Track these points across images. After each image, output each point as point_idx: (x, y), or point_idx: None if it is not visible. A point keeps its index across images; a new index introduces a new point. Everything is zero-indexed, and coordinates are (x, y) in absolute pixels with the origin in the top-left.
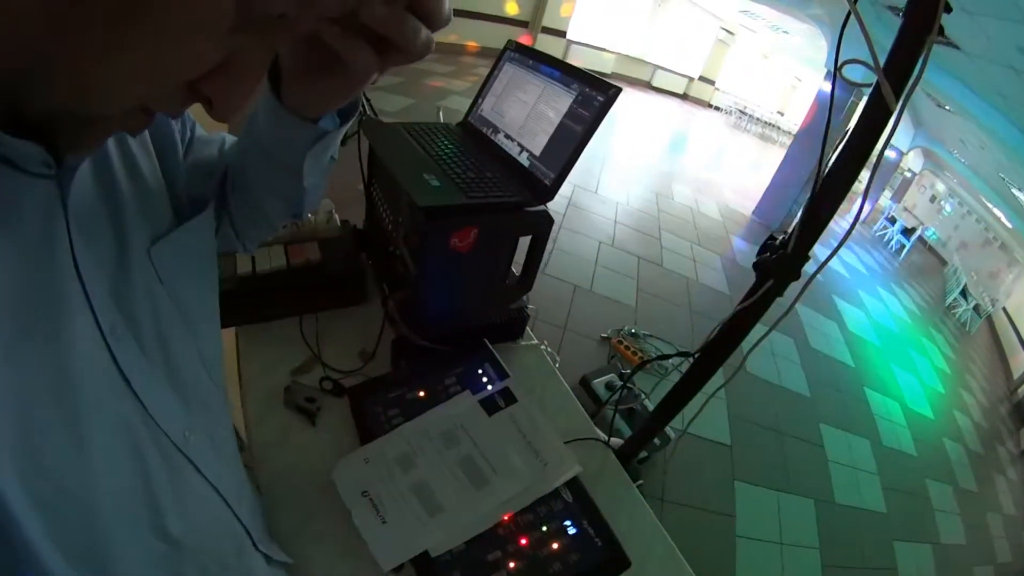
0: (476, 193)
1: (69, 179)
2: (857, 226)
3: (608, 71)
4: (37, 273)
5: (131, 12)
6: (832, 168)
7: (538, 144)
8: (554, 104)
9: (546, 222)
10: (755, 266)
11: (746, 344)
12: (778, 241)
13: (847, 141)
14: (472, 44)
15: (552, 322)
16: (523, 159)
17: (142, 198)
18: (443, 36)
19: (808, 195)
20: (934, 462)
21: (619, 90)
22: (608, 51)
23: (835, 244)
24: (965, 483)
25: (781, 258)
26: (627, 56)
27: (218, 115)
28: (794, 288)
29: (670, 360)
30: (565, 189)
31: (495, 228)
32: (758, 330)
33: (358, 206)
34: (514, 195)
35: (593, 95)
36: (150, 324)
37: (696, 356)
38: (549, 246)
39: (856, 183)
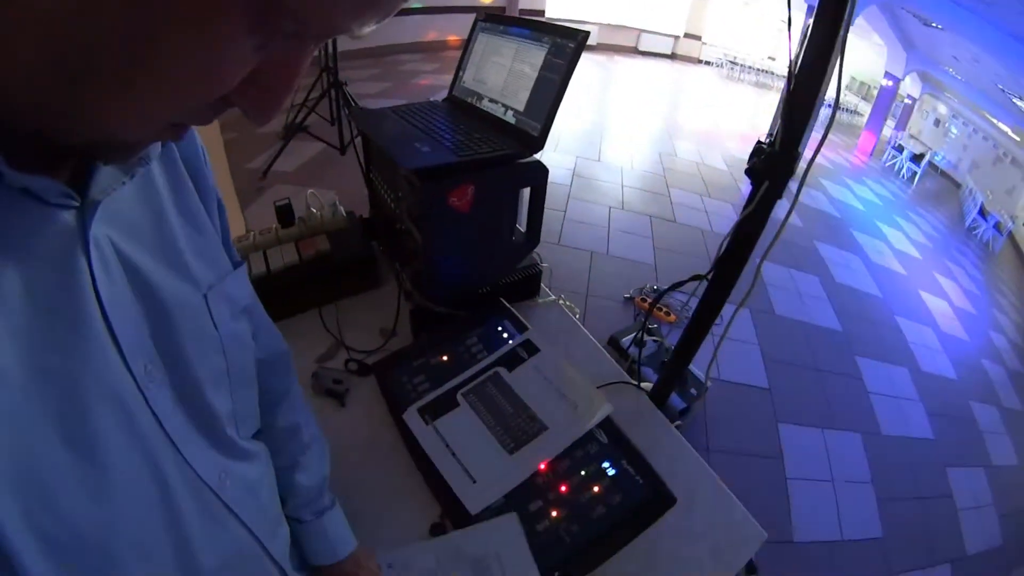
0: (466, 152)
1: (93, 211)
2: (867, 159)
3: (593, 43)
4: (53, 306)
5: (139, 54)
6: (804, 54)
7: (521, 100)
8: (529, 60)
9: (540, 172)
10: (748, 172)
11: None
12: (765, 143)
13: (813, 25)
14: (453, 38)
15: (574, 289)
16: (509, 117)
17: (197, 241)
18: (422, 35)
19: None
20: (976, 384)
21: (587, 34)
22: (590, 22)
23: (846, 180)
24: (1009, 403)
25: (770, 157)
26: (610, 25)
27: (254, 121)
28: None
29: (687, 298)
30: (567, 161)
31: (491, 182)
32: (772, 270)
33: (364, 203)
34: (504, 148)
35: (564, 43)
36: (193, 370)
37: (710, 276)
38: (560, 217)
39: (855, 116)
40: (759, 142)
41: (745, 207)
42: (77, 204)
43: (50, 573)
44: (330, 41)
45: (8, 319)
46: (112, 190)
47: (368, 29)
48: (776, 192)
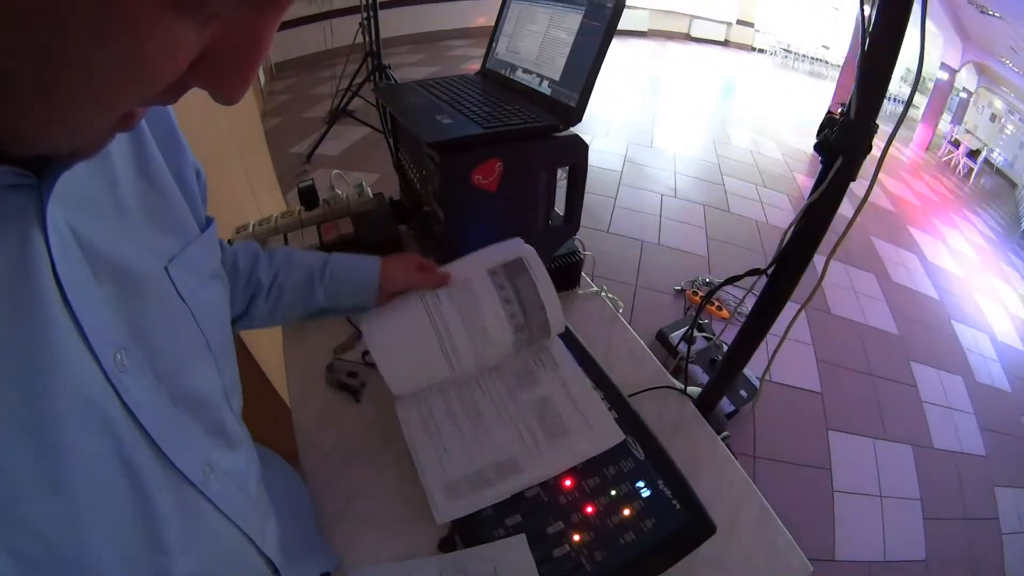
0: (493, 123)
1: (50, 187)
2: (923, 153)
3: (644, 28)
4: (10, 299)
5: (49, 70)
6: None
7: (556, 69)
8: (565, 25)
9: (579, 147)
10: (817, 147)
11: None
12: (838, 113)
13: None
14: None
15: (622, 280)
16: (544, 88)
17: (157, 206)
18: (471, 21)
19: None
20: None
21: None
22: (641, 8)
23: (901, 174)
24: None
25: (845, 127)
26: (661, 11)
27: (219, 102)
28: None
29: (744, 294)
30: (618, 146)
31: (522, 158)
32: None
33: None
34: (537, 120)
35: (602, 4)
36: (169, 349)
37: (769, 272)
38: (610, 204)
39: (911, 108)
40: (829, 112)
41: (814, 188)
42: (32, 182)
43: None
44: (373, 24)
45: None
46: (73, 162)
47: None
48: (851, 171)
